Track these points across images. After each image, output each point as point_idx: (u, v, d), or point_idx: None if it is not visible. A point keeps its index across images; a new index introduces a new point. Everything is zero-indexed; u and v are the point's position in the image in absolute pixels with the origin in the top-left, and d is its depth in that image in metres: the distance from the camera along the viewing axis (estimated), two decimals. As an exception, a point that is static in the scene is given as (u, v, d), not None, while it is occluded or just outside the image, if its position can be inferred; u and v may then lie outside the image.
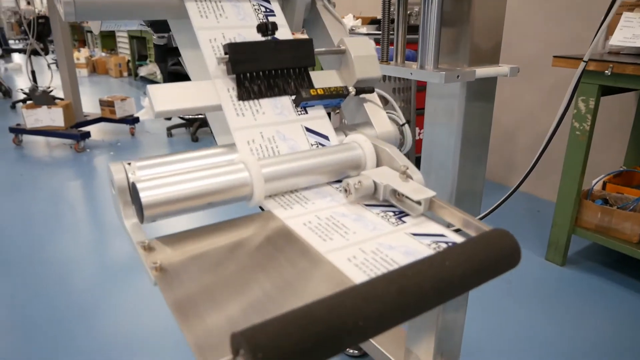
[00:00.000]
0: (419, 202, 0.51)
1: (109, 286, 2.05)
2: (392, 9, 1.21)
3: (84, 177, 3.47)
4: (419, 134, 2.82)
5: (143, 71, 7.17)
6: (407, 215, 0.53)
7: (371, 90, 0.67)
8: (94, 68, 8.18)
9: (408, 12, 1.24)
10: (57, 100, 4.17)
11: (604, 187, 2.25)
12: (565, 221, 2.22)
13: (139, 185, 0.46)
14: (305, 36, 0.74)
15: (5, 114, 5.42)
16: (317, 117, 0.64)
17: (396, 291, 0.35)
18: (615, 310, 1.85)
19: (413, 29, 1.34)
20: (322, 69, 0.70)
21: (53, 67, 5.11)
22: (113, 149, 4.08)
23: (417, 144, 2.81)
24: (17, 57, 9.27)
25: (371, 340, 1.58)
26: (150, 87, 0.54)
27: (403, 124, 0.70)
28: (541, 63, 2.78)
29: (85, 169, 3.63)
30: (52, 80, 4.43)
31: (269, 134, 0.59)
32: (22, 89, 5.03)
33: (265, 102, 0.61)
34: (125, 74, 7.84)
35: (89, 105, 5.16)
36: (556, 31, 2.73)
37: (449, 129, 1.22)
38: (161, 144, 4.19)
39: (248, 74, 0.59)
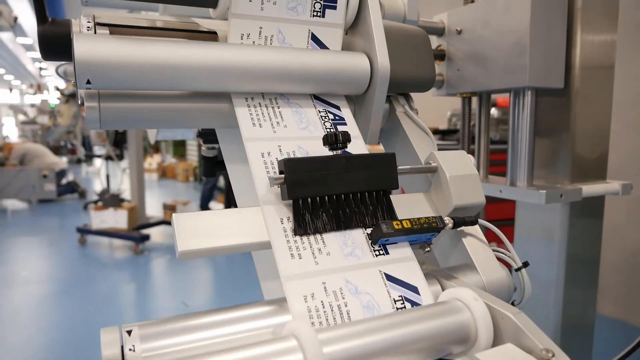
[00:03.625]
0: None
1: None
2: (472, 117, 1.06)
3: (137, 280, 3.41)
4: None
5: (208, 176, 7.47)
6: None
7: (473, 222, 0.49)
8: (164, 172, 8.67)
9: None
10: (124, 202, 4.32)
11: None
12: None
13: (130, 377, 0.29)
14: (381, 149, 0.59)
15: (77, 214, 5.70)
16: (402, 258, 0.46)
17: None
18: None
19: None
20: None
21: (128, 171, 5.43)
22: (170, 252, 4.05)
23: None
24: (97, 162, 10.09)
25: None
26: (176, 217, 0.40)
27: (519, 269, 0.50)
28: (626, 173, 2.50)
29: (140, 272, 3.58)
30: (122, 183, 4.65)
31: (335, 284, 0.41)
32: (95, 192, 5.35)
33: (330, 237, 0.44)
34: (191, 178, 8.21)
35: (154, 208, 5.32)
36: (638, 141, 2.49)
37: (549, 249, 0.99)
38: (217, 249, 4.12)
39: (309, 200, 0.44)
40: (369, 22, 0.55)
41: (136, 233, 4.06)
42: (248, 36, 0.51)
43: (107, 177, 4.90)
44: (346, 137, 0.45)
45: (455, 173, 0.51)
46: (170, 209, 4.44)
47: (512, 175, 0.95)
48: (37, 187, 6.05)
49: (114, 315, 2.74)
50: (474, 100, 1.05)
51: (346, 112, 0.55)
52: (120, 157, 5.72)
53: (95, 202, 5.97)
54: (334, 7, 0.54)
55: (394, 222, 0.45)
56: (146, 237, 4.06)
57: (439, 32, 1.04)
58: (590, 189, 0.93)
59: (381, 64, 0.53)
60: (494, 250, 0.52)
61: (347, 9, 0.55)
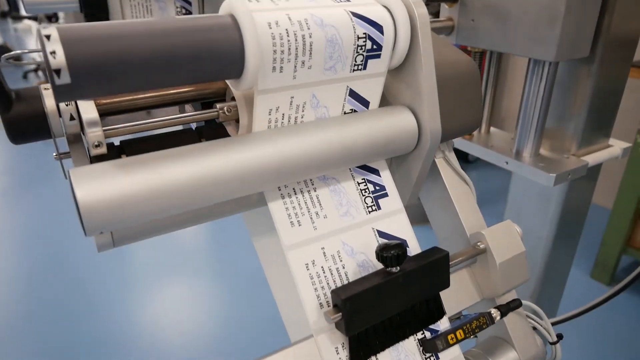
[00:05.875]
0: None
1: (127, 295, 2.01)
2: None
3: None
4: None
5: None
6: None
7: (518, 306, 0.48)
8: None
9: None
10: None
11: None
12: (616, 241, 2.14)
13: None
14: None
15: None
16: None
17: None
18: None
19: None
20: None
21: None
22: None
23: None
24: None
25: None
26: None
27: (555, 342, 0.51)
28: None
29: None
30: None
31: (392, 414, 0.41)
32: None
33: (385, 357, 0.42)
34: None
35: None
36: None
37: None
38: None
39: (366, 328, 0.41)
40: (418, 71, 0.45)
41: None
42: (277, 109, 0.41)
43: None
44: (404, 253, 0.40)
45: (505, 257, 0.48)
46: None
47: (520, 144, 0.91)
48: (-37, 54, 5.40)
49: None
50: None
51: (386, 177, 0.49)
52: (56, 18, 5.08)
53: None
54: (378, 56, 0.44)
55: (449, 336, 0.43)
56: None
57: (455, -31, 0.89)
58: (594, 158, 0.92)
59: (432, 127, 0.45)
60: (528, 318, 0.52)
61: (392, 54, 0.44)
